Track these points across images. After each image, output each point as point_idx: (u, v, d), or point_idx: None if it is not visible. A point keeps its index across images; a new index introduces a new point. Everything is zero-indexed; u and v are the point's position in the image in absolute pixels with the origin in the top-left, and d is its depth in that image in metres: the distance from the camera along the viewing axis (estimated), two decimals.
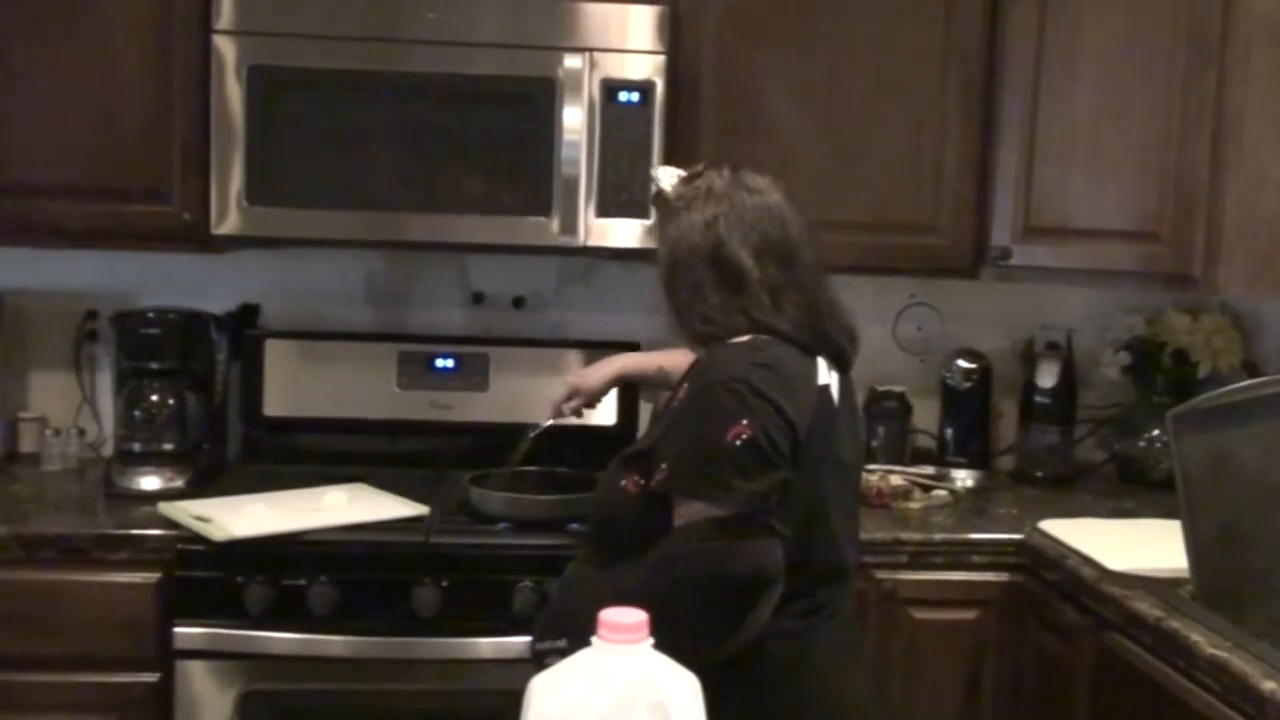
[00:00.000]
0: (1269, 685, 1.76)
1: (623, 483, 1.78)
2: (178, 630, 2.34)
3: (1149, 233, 2.57)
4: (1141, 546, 2.39)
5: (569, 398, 2.55)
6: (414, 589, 2.35)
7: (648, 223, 2.55)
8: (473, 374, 2.91)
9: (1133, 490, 2.97)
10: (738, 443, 1.64)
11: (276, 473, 2.73)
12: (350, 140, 2.56)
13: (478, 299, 3.04)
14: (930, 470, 2.95)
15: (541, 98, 2.55)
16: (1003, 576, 2.55)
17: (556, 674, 1.17)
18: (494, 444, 2.82)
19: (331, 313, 3.00)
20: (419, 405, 2.90)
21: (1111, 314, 3.11)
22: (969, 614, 2.55)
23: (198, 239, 2.59)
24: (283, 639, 2.34)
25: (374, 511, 2.50)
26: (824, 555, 1.78)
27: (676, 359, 2.23)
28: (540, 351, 2.95)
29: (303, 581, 2.33)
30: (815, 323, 1.79)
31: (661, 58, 2.58)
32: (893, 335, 3.15)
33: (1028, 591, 2.51)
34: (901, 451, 3.01)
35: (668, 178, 1.89)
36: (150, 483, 2.62)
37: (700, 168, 1.88)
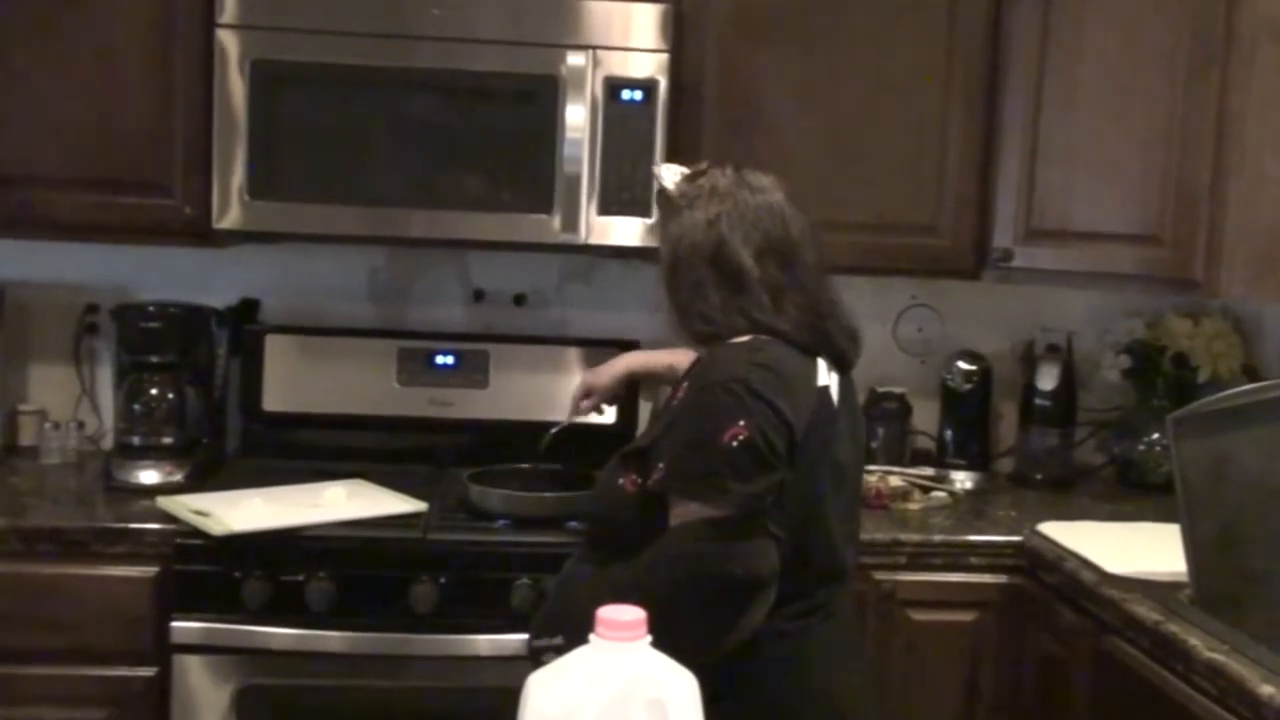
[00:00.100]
0: (1267, 689, 1.76)
1: (620, 481, 1.78)
2: (175, 624, 2.34)
3: (1151, 235, 2.56)
4: (1140, 550, 2.39)
5: (584, 396, 2.55)
6: (412, 585, 2.34)
7: (649, 221, 2.55)
8: (473, 371, 2.91)
9: (1132, 493, 2.97)
10: (734, 444, 1.63)
11: (276, 468, 2.73)
12: (352, 136, 2.57)
13: (479, 296, 3.04)
14: (929, 471, 2.95)
15: (544, 95, 2.55)
16: (1001, 579, 2.55)
17: (554, 671, 1.17)
18: (494, 441, 2.83)
19: (332, 308, 3.00)
20: (419, 402, 2.90)
21: (1112, 317, 3.11)
22: (968, 616, 2.55)
23: (199, 233, 2.59)
24: (280, 634, 2.34)
25: (373, 508, 2.50)
26: (821, 556, 1.77)
27: (685, 356, 2.23)
28: (541, 349, 2.95)
29: (301, 577, 2.33)
30: (816, 323, 1.79)
31: (665, 56, 2.58)
32: (893, 336, 3.15)
33: (1026, 594, 2.51)
34: (901, 453, 3.01)
35: (670, 175, 1.89)
36: (149, 476, 2.62)
37: (704, 166, 1.88)
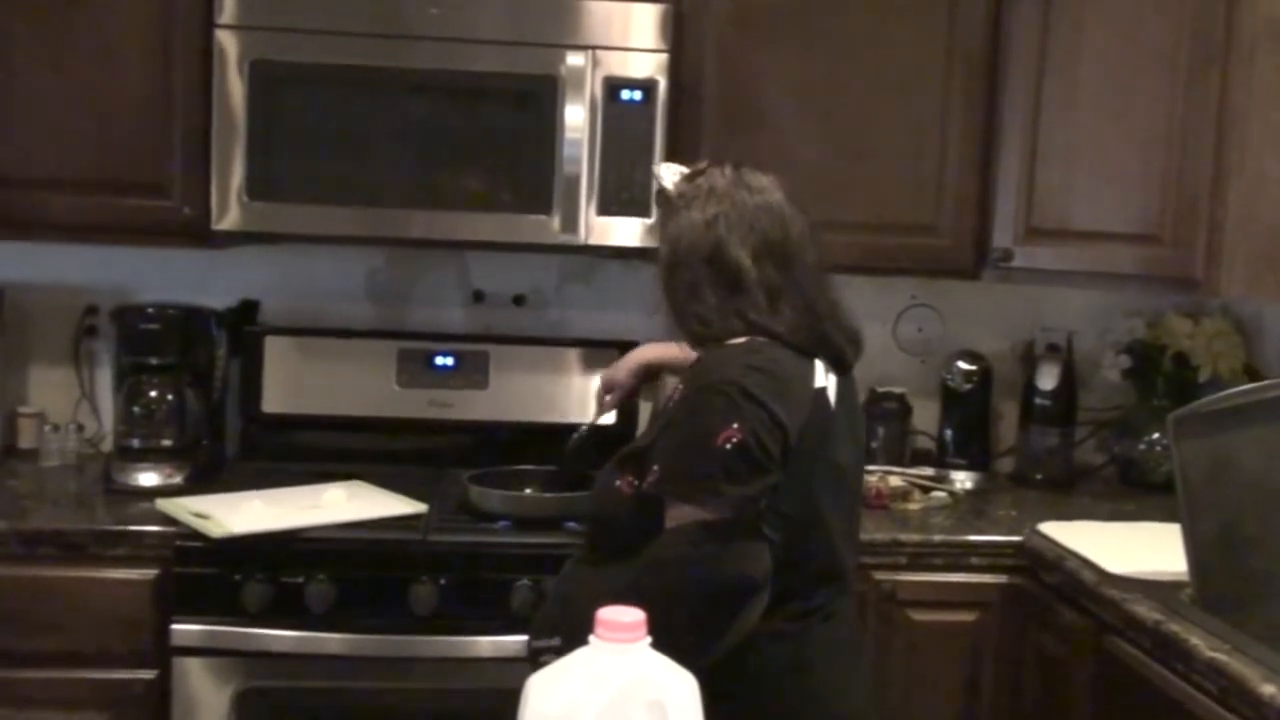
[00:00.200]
0: (1268, 689, 1.75)
1: (617, 483, 1.77)
2: (175, 627, 2.33)
3: (1151, 235, 2.56)
4: (1141, 549, 2.39)
5: (606, 393, 2.54)
6: (412, 587, 2.34)
7: (649, 221, 2.55)
8: (473, 372, 2.91)
9: (1132, 493, 2.97)
10: (727, 446, 1.63)
11: (275, 469, 2.73)
12: (352, 136, 2.56)
13: (478, 297, 3.04)
14: (930, 471, 2.95)
15: (544, 95, 2.54)
16: (1002, 579, 2.54)
17: (554, 672, 1.17)
18: (494, 442, 2.82)
19: (332, 309, 3.00)
20: (419, 403, 2.90)
21: (1112, 316, 3.11)
22: (968, 616, 2.55)
23: (198, 234, 2.59)
24: (280, 636, 2.33)
25: (372, 509, 2.50)
26: (820, 557, 1.77)
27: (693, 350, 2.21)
28: (540, 350, 2.94)
29: (301, 579, 2.33)
30: (813, 325, 1.78)
31: (664, 56, 2.57)
32: (893, 336, 3.15)
33: (1027, 594, 2.50)
34: (901, 453, 3.01)
35: (670, 175, 1.89)
36: (149, 479, 2.61)
37: (703, 165, 1.88)
